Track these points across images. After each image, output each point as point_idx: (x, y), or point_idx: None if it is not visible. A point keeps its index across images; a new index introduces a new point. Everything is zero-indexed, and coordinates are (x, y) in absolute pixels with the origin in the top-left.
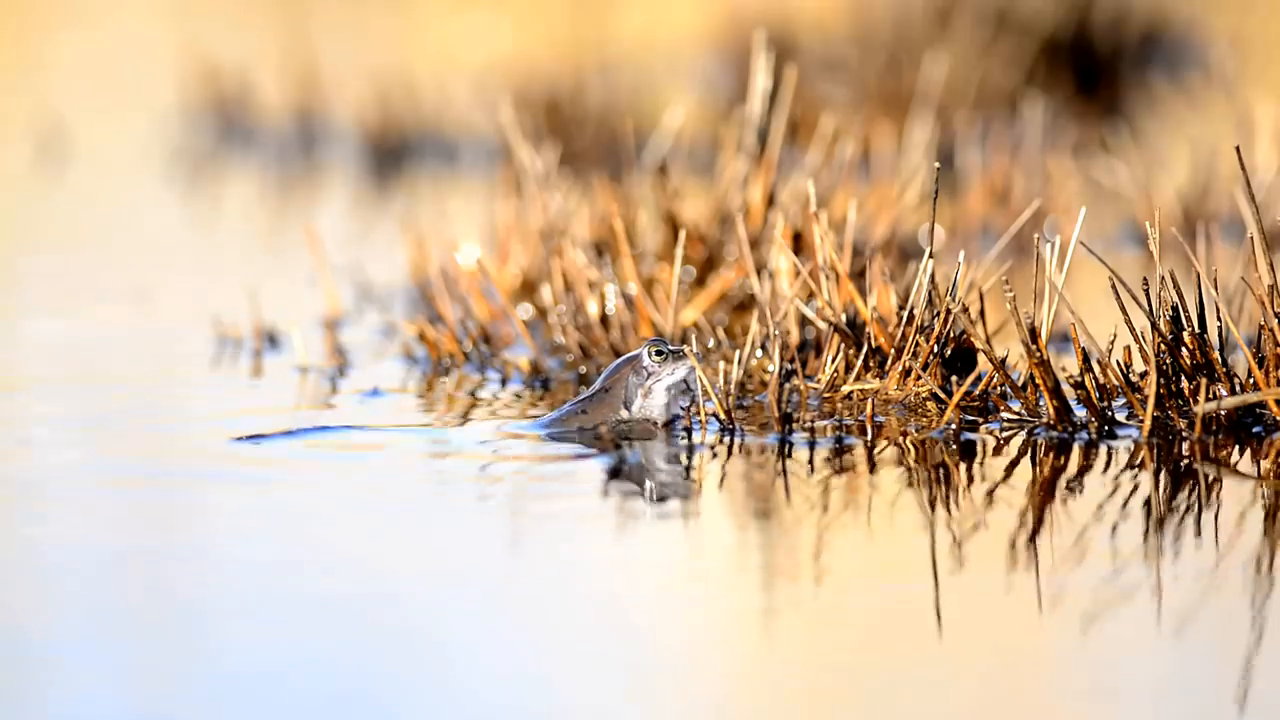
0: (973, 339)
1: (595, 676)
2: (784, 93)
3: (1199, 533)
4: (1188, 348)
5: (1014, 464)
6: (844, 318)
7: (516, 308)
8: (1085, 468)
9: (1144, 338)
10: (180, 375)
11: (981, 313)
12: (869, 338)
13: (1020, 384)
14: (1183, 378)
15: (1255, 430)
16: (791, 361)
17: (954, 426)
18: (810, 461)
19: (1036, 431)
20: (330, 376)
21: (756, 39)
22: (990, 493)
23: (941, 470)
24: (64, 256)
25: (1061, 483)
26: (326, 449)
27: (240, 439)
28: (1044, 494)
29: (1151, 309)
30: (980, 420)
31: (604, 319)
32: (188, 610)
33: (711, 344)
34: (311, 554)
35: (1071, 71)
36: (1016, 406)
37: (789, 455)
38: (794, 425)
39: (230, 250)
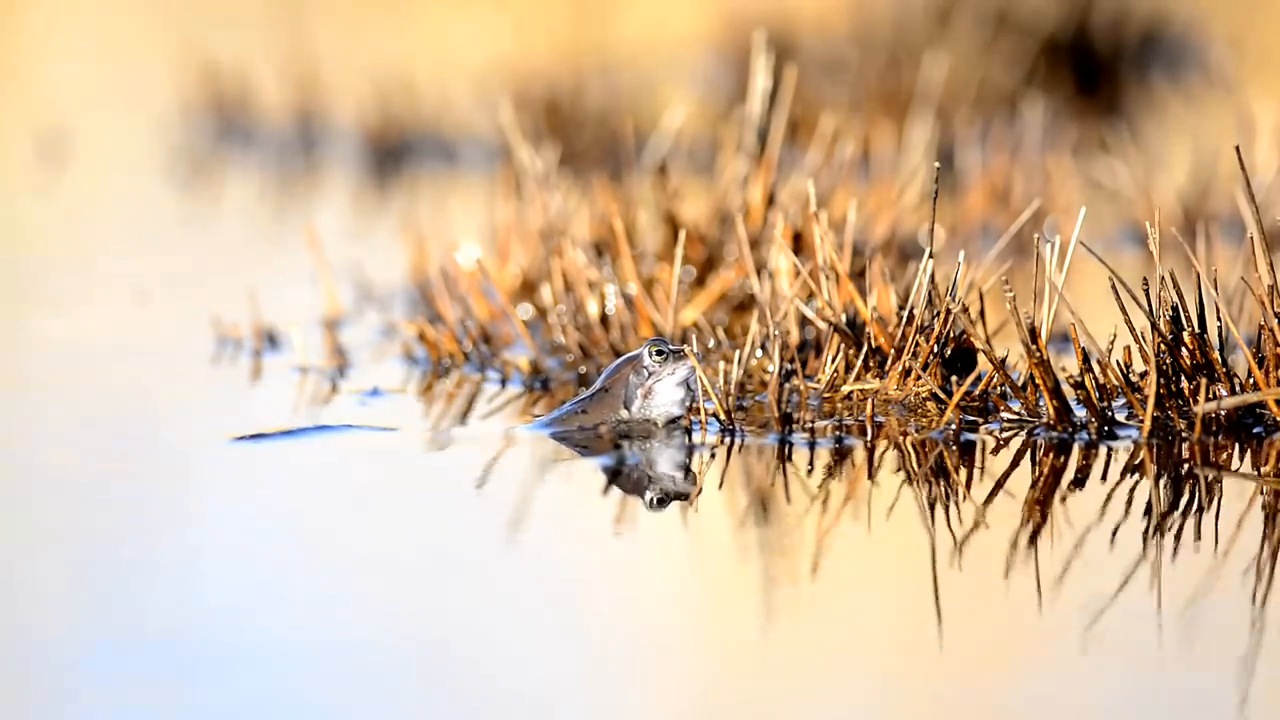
0: (973, 339)
1: (593, 675)
2: (784, 93)
3: (1199, 533)
4: (1188, 348)
5: (1014, 464)
6: (844, 318)
7: (516, 308)
8: (1085, 468)
9: (1144, 338)
10: (180, 375)
11: (981, 313)
12: (869, 338)
13: (1020, 384)
14: (1183, 378)
15: (1255, 430)
16: (791, 361)
17: (954, 426)
18: (810, 462)
19: (1036, 431)
20: (330, 376)
21: (756, 39)
22: (990, 493)
23: (941, 470)
24: (64, 256)
25: (1061, 483)
26: (326, 449)
27: (240, 439)
28: (1044, 494)
29: (1151, 309)
30: (980, 420)
31: (604, 319)
32: (189, 610)
33: (711, 344)
34: (312, 554)
35: (1071, 71)
36: (1016, 406)
37: (789, 455)
38: (794, 425)
39: (230, 250)
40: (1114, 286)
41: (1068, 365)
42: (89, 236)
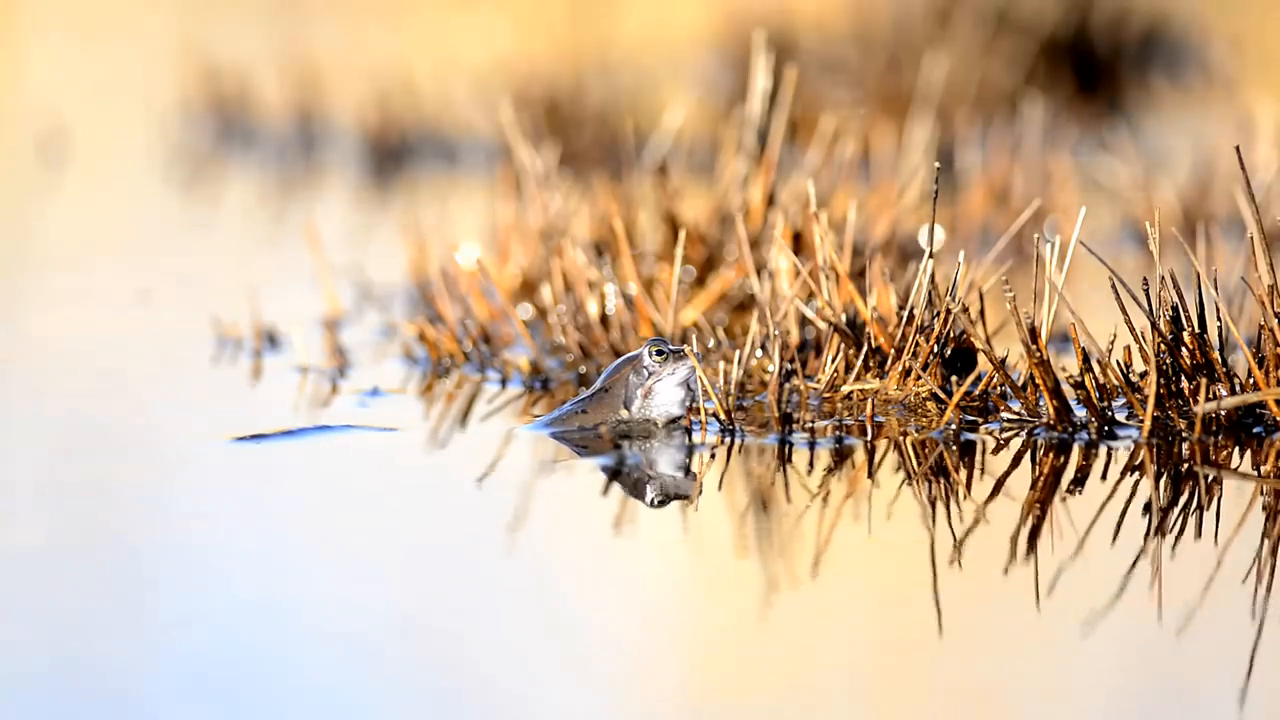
0: (973, 339)
1: (592, 674)
2: (784, 93)
3: (1199, 533)
4: (1188, 348)
5: (1014, 464)
6: (844, 318)
7: (516, 308)
8: (1085, 468)
9: (1144, 338)
10: (180, 375)
11: (981, 313)
12: (869, 338)
13: (1020, 384)
14: (1183, 378)
15: (1255, 430)
16: (791, 361)
17: (954, 426)
18: (810, 462)
19: (1036, 431)
20: (330, 376)
21: (756, 39)
22: (990, 493)
23: (941, 470)
24: (64, 256)
25: (1061, 483)
26: (326, 449)
27: (240, 439)
28: (1044, 494)
29: (1151, 309)
30: (980, 420)
31: (604, 319)
32: (190, 611)
33: (711, 344)
34: (312, 554)
35: (1071, 71)
36: (1016, 406)
37: (789, 455)
38: (794, 425)
39: (230, 250)
40: (1114, 286)
41: (1068, 365)
42: (89, 236)
